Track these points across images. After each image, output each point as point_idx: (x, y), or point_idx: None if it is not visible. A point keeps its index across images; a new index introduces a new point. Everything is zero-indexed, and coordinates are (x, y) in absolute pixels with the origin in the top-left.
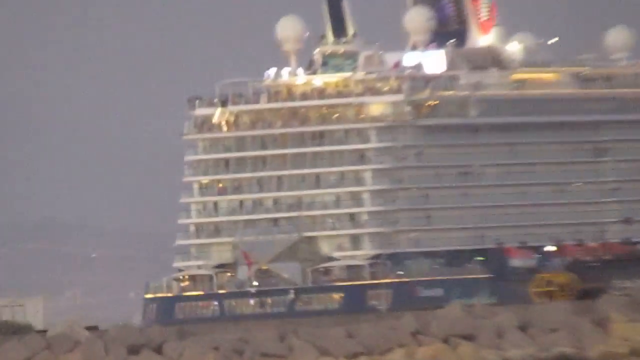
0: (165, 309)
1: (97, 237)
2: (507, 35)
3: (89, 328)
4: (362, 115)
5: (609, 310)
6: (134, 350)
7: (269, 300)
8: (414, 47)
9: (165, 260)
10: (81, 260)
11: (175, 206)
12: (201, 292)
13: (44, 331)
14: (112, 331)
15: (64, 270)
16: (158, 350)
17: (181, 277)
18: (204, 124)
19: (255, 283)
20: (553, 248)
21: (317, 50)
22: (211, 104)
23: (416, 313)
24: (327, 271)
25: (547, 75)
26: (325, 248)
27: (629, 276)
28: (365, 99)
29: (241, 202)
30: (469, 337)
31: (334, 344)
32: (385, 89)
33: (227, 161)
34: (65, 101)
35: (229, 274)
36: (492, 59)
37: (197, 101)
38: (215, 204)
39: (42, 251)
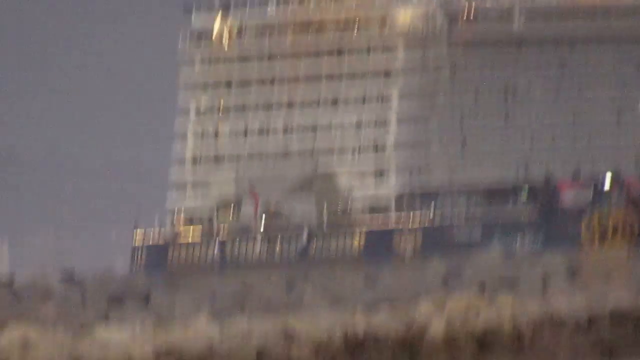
0: (157, 255)
1: (71, 170)
2: None
3: (63, 277)
4: (388, 28)
5: None
6: (116, 302)
7: (278, 245)
8: None
9: (156, 197)
10: (53, 198)
11: (169, 134)
12: (199, 234)
13: (10, 281)
14: (90, 280)
15: (33, 209)
16: (144, 302)
17: (176, 216)
18: (203, 36)
19: (262, 225)
20: (610, 181)
21: None
22: (211, 13)
23: (447, 258)
24: (346, 211)
25: None
26: (344, 184)
27: None
28: (392, 8)
29: (246, 130)
30: (508, 287)
31: (351, 291)
32: None
33: (229, 81)
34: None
35: (231, 213)
36: None
37: (195, 10)
38: (216, 131)
39: (6, 187)
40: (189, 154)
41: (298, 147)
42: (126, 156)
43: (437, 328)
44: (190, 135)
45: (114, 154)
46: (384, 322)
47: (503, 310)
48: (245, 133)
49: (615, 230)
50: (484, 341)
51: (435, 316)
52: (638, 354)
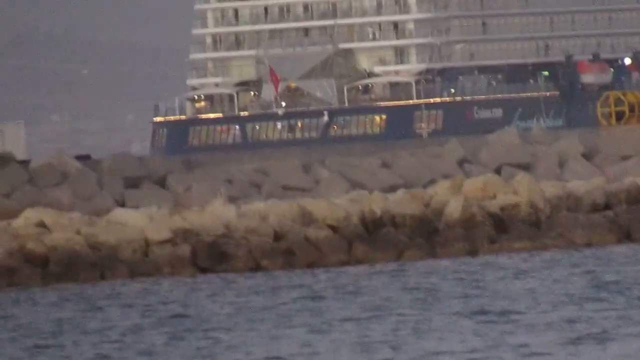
0: (178, 134)
1: (87, 50)
2: None
3: (79, 158)
4: None
5: None
6: (132, 183)
7: (298, 123)
8: None
9: (173, 77)
10: (69, 79)
11: (188, 13)
12: (220, 115)
13: (27, 161)
14: (106, 161)
15: (49, 90)
16: (161, 183)
17: (196, 97)
18: None
19: (282, 104)
20: (630, 61)
21: None
22: None
23: (463, 139)
24: (366, 89)
25: None
26: (364, 62)
27: None
28: None
29: (266, 9)
30: (525, 167)
31: (367, 175)
32: None
33: None
34: None
35: (252, 94)
36: None
37: None
38: (236, 10)
39: (23, 68)
40: (209, 34)
41: (318, 25)
42: (146, 37)
43: (453, 208)
44: (210, 15)
45: (133, 35)
46: (401, 203)
47: (520, 191)
48: (265, 12)
49: (631, 110)
50: (501, 220)
51: (452, 196)
52: None
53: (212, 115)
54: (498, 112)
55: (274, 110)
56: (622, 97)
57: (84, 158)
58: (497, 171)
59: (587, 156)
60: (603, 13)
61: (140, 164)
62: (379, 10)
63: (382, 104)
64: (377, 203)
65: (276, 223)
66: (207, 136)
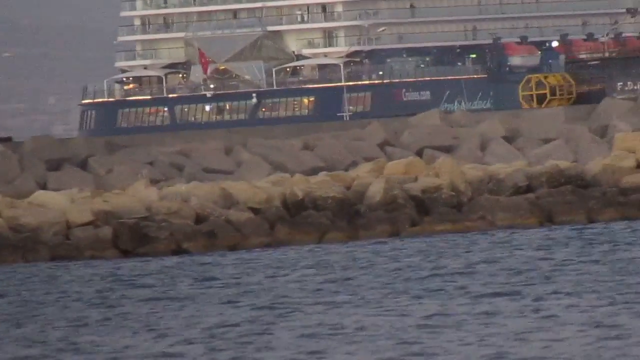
0: (106, 116)
1: (9, 33)
2: None
3: (0, 140)
4: None
5: (610, 117)
6: (54, 165)
7: (227, 105)
8: None
9: (96, 60)
10: None
11: None
12: (148, 97)
13: None
14: (28, 144)
15: None
16: (82, 165)
17: (125, 79)
18: None
19: (211, 86)
20: (557, 44)
21: None
22: None
23: (384, 121)
24: (295, 71)
25: None
26: (293, 44)
27: (635, 77)
28: None
29: None
30: (447, 149)
31: (289, 157)
32: None
33: None
34: None
35: (180, 76)
36: None
37: None
38: None
39: None
40: (137, 16)
41: (246, 7)
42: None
43: (375, 190)
44: None
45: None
46: (323, 185)
47: (441, 173)
48: None
49: (552, 93)
50: (423, 203)
51: (374, 179)
52: (573, 215)
53: (140, 98)
54: (426, 94)
55: (203, 92)
56: (543, 80)
57: (4, 140)
58: (419, 153)
59: (509, 139)
60: None
61: (62, 146)
62: None
63: (311, 86)
64: (298, 185)
65: (198, 205)
66: (136, 118)
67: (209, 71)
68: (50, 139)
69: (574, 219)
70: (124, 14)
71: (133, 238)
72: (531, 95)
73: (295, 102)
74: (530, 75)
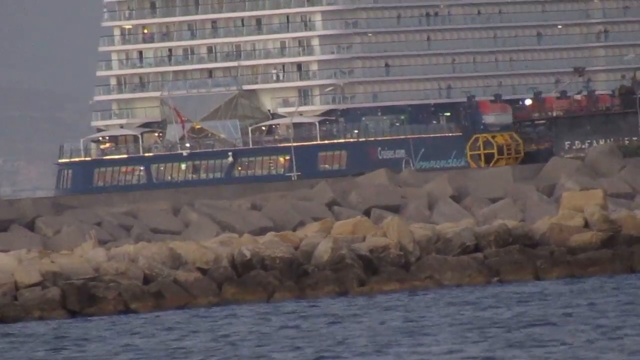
0: (83, 175)
1: None
2: None
3: None
4: None
5: (558, 176)
6: (1, 226)
7: (203, 164)
8: None
9: (80, 120)
10: None
11: (92, 56)
12: (125, 155)
13: None
14: None
15: None
16: (30, 226)
17: (101, 138)
18: None
19: (187, 144)
20: (531, 101)
21: None
22: None
23: (332, 181)
24: (271, 130)
25: None
26: (268, 103)
27: (582, 136)
28: None
29: (170, 51)
30: (394, 209)
31: (237, 217)
32: None
33: (153, 2)
34: None
35: (156, 134)
36: None
37: None
38: (140, 52)
39: None
40: (113, 75)
41: (222, 67)
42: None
43: (323, 250)
44: (115, 57)
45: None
46: (271, 245)
47: (389, 233)
48: (170, 54)
49: (500, 152)
50: (371, 262)
51: (321, 238)
52: (521, 274)
53: (116, 156)
54: (401, 153)
55: (179, 150)
56: (491, 140)
57: None
58: (367, 213)
59: (457, 198)
60: (504, 54)
61: (9, 207)
62: (282, 51)
63: (286, 144)
64: (246, 245)
65: (146, 266)
66: (113, 177)
67: (184, 130)
68: None
69: (521, 278)
70: (100, 73)
71: (81, 298)
72: (479, 154)
73: (271, 161)
74: (478, 135)
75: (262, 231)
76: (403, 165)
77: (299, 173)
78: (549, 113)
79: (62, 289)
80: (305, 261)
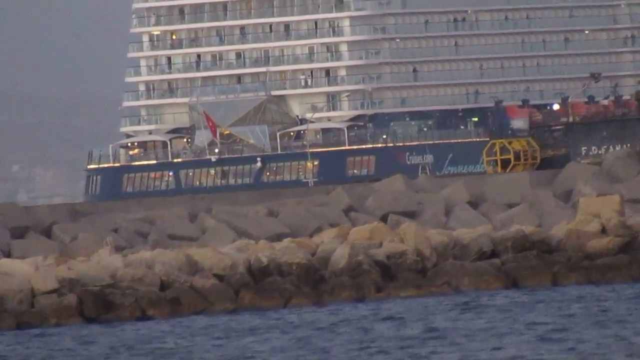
0: (111, 181)
1: (27, 103)
2: None
3: None
4: None
5: (575, 182)
6: (18, 233)
7: (232, 169)
8: None
9: (110, 125)
10: None
11: (121, 61)
12: (153, 161)
13: None
14: None
15: None
16: (47, 232)
17: (129, 144)
18: None
19: (216, 150)
20: (558, 106)
21: None
22: None
23: (349, 186)
24: (299, 136)
25: None
26: (297, 109)
27: (599, 141)
28: None
29: (199, 57)
30: (411, 215)
31: (254, 223)
32: None
33: (181, 9)
34: None
35: (185, 140)
36: None
37: None
38: (169, 58)
39: None
40: (142, 81)
41: (250, 73)
42: (80, 87)
43: (340, 256)
44: (143, 63)
45: (67, 86)
46: (288, 251)
47: (406, 239)
48: (198, 60)
49: (517, 158)
50: (387, 268)
51: (338, 244)
52: (539, 280)
53: (145, 162)
54: (429, 158)
55: (207, 156)
56: (507, 146)
57: None
58: (384, 219)
59: (473, 204)
60: (532, 59)
61: (26, 214)
62: (310, 57)
63: (315, 149)
64: (263, 252)
65: (162, 272)
66: (141, 183)
67: (213, 135)
68: (14, 206)
69: (539, 284)
70: (128, 79)
71: (98, 305)
72: (495, 160)
73: (299, 166)
74: (494, 141)
75: (279, 237)
76: (420, 171)
77: (316, 179)
78: (566, 118)
79: (79, 295)
80: (322, 267)
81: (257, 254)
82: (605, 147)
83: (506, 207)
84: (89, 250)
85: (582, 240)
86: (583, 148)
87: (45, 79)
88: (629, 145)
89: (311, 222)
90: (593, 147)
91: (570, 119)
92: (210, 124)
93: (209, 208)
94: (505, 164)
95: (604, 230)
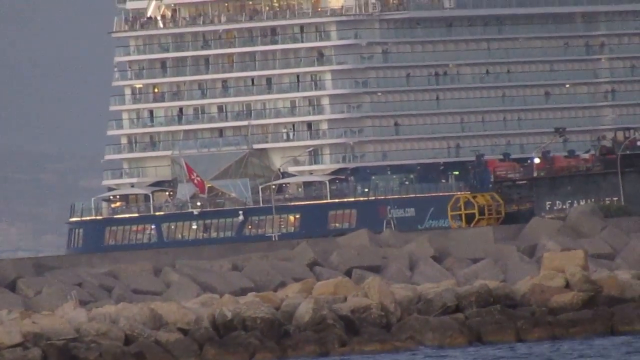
0: (94, 234)
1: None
2: None
3: None
4: (320, 8)
5: (539, 237)
6: None
7: (214, 223)
8: None
9: (91, 177)
10: None
11: (103, 114)
12: (135, 214)
13: None
14: None
15: None
16: (11, 287)
17: (112, 197)
18: (137, 19)
19: (198, 203)
20: (539, 160)
21: None
22: None
23: (313, 241)
24: (281, 189)
25: None
26: (278, 162)
27: (563, 196)
28: None
29: (181, 110)
30: (375, 269)
31: (218, 278)
32: None
33: (163, 62)
34: None
35: (167, 193)
36: None
37: None
38: (151, 112)
39: None
40: (124, 135)
41: (232, 126)
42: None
43: (304, 310)
44: (125, 116)
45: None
46: (252, 306)
47: (370, 293)
48: (180, 113)
49: (481, 213)
50: (352, 323)
51: (302, 299)
52: (502, 335)
53: (127, 215)
54: (411, 211)
55: (189, 209)
56: (472, 200)
57: None
58: (348, 273)
59: (438, 258)
60: (512, 113)
61: None
62: (292, 110)
63: (297, 202)
64: (227, 306)
65: (127, 326)
66: (124, 236)
67: (195, 188)
68: None
69: (502, 339)
70: (110, 132)
71: (62, 359)
72: (460, 214)
73: (281, 219)
74: (459, 195)
75: (243, 292)
76: (384, 226)
77: (280, 233)
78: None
79: (43, 349)
80: (286, 322)
81: (221, 309)
82: (569, 202)
83: (470, 262)
84: (53, 304)
85: (546, 295)
86: (547, 203)
87: (13, 132)
88: (593, 200)
89: (275, 277)
90: (557, 202)
91: (535, 174)
92: (198, 179)
93: (172, 262)
94: (469, 218)
95: (568, 285)
